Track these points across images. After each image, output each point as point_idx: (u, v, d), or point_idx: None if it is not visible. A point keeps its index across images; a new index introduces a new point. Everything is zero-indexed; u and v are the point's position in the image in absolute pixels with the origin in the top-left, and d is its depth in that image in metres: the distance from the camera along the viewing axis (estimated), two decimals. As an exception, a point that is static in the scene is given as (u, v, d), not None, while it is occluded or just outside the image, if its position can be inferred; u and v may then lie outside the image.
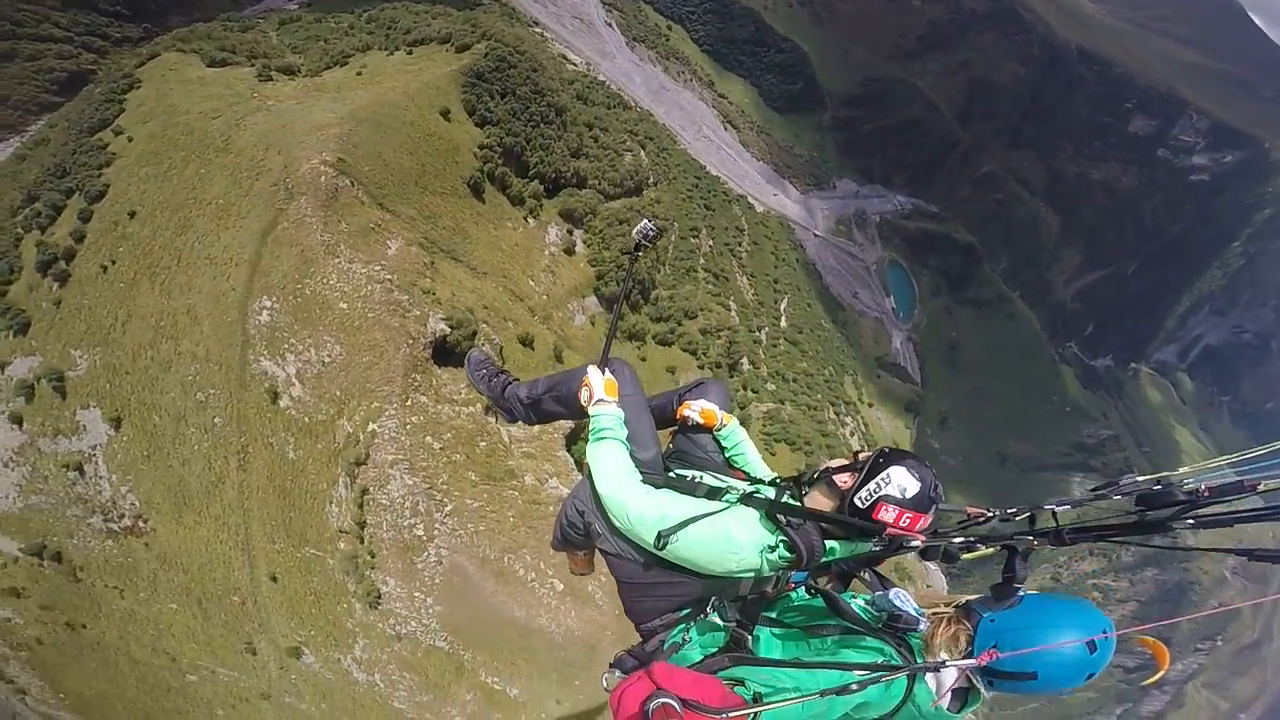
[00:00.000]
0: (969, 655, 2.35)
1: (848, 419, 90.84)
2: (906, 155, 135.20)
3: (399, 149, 42.05)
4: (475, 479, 32.79)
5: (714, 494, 2.96)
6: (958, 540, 2.48)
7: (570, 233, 54.87)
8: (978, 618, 2.40)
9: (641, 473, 3.05)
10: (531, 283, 47.58)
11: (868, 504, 2.62)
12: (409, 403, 33.24)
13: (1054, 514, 2.41)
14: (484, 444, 34.15)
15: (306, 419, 32.10)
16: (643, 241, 3.63)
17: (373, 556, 30.17)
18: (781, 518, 2.73)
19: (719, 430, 3.60)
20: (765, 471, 3.50)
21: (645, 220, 3.71)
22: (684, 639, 2.87)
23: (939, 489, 2.62)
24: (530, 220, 51.33)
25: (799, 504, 2.89)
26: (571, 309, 50.21)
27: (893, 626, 2.55)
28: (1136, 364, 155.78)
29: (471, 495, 32.04)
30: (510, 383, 3.94)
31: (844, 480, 2.78)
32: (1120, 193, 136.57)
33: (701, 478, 3.19)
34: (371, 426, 31.99)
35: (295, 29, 56.89)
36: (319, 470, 31.43)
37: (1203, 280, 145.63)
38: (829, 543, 2.76)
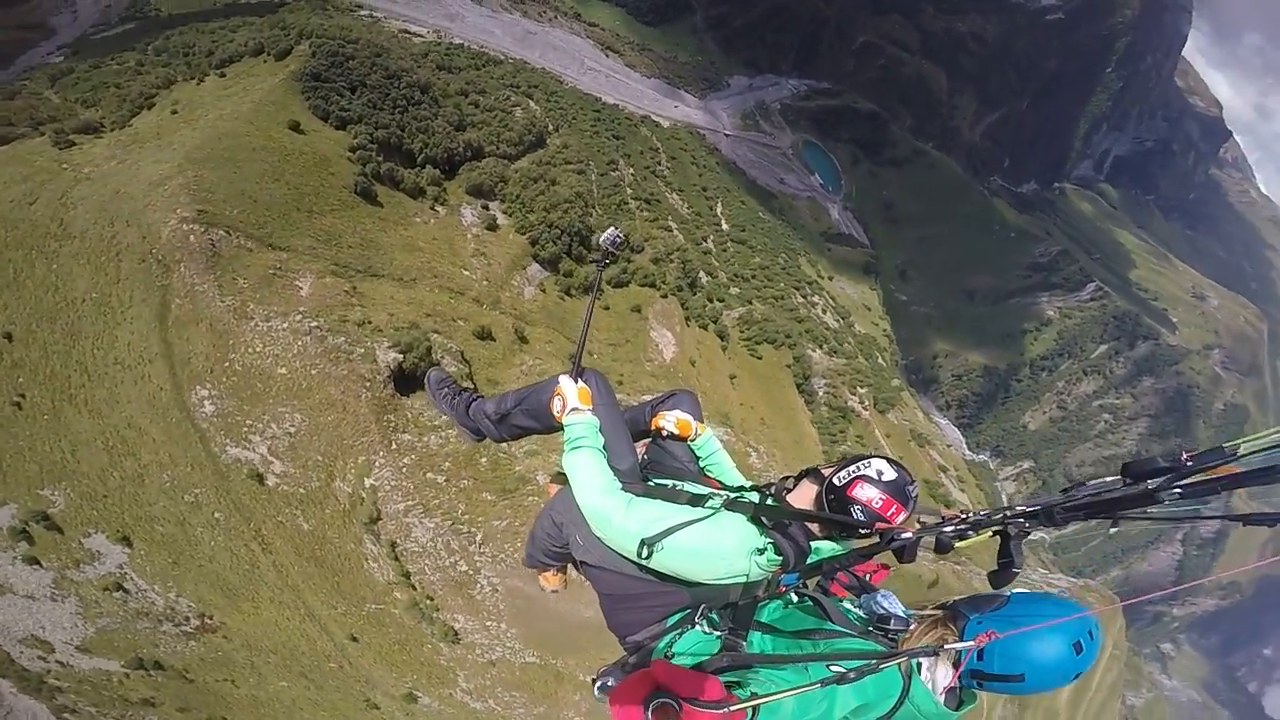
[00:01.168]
0: (958, 657, 2.33)
1: (815, 298, 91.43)
2: (784, 40, 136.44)
3: (262, 179, 37.57)
4: (491, 498, 31.63)
5: (696, 501, 2.89)
6: (949, 529, 2.37)
7: (486, 207, 51.45)
8: (964, 620, 2.33)
9: (621, 482, 2.96)
10: (466, 272, 44.61)
11: (845, 481, 2.68)
12: (393, 446, 31.45)
13: (1024, 520, 2.30)
14: (485, 460, 32.62)
15: (301, 490, 30.13)
16: (610, 250, 3.65)
17: (431, 599, 29.77)
18: (767, 521, 2.70)
19: (693, 440, 3.58)
20: (740, 479, 3.50)
21: (611, 229, 3.70)
22: (670, 652, 2.77)
23: (914, 489, 2.65)
24: (439, 208, 47.71)
25: (783, 505, 2.91)
26: (517, 284, 47.57)
27: (881, 629, 2.55)
28: (1059, 183, 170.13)
29: (495, 515, 31.18)
30: (474, 400, 3.83)
31: (827, 470, 2.82)
32: (989, 40, 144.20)
33: (682, 486, 3.13)
34: (368, 482, 30.45)
35: (73, 81, 49.87)
36: (340, 534, 29.98)
37: (1091, 104, 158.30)
38: (816, 543, 2.79)
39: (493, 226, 50.35)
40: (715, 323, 58.46)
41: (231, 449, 30.05)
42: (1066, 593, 60.93)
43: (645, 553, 2.70)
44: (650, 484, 3.16)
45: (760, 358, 62.32)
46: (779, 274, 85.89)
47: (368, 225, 40.95)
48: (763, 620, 2.73)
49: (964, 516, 2.53)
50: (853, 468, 2.70)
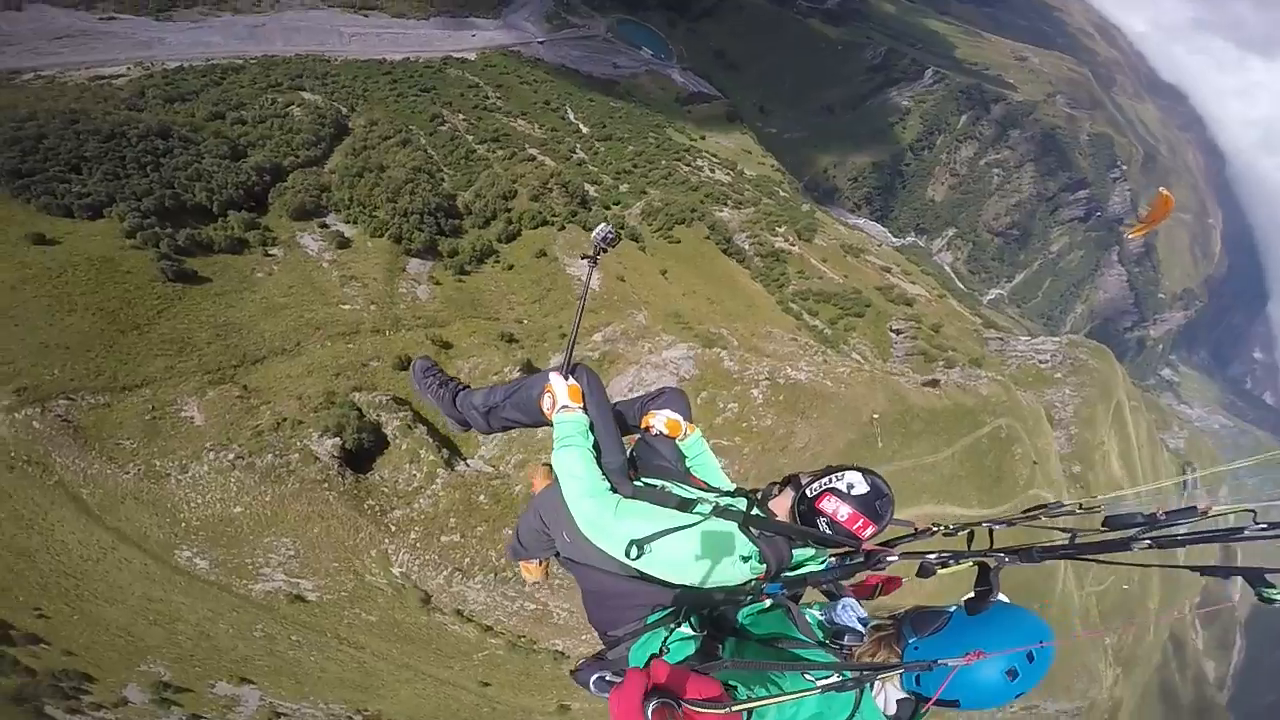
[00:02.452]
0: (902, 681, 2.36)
1: (699, 162, 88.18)
2: None
3: (51, 318, 29.39)
4: (510, 531, 28.08)
5: (685, 505, 2.86)
6: (932, 556, 2.31)
7: (324, 225, 43.81)
8: (904, 643, 2.34)
9: (609, 481, 2.95)
10: (345, 306, 38.04)
11: (815, 493, 2.69)
12: (392, 529, 27.76)
13: (990, 531, 2.41)
14: (483, 497, 29.19)
15: (344, 593, 27.54)
16: (602, 246, 3.48)
17: (523, 637, 28.66)
18: (754, 530, 2.71)
19: (682, 440, 3.55)
20: (724, 481, 3.50)
21: (602, 225, 3.61)
22: (665, 649, 2.64)
23: (887, 504, 2.63)
24: (274, 251, 39.92)
25: (769, 515, 2.90)
26: (405, 290, 41.56)
27: (837, 641, 2.49)
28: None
29: (423, 548, 28.29)
30: (460, 390, 3.76)
31: (804, 479, 2.83)
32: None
33: (670, 488, 3.06)
34: (396, 571, 27.58)
35: None
36: (408, 616, 27.88)
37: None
38: (798, 552, 2.80)
39: (344, 243, 43.11)
40: (622, 228, 53.89)
41: (254, 586, 26.90)
42: (1057, 356, 62.13)
43: (634, 554, 2.70)
44: (639, 484, 3.09)
45: (679, 241, 58.83)
46: (656, 154, 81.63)
47: (209, 309, 33.63)
48: (738, 625, 2.67)
49: (934, 530, 2.57)
50: (824, 480, 2.70)
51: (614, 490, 2.90)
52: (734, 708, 1.83)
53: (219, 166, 43.01)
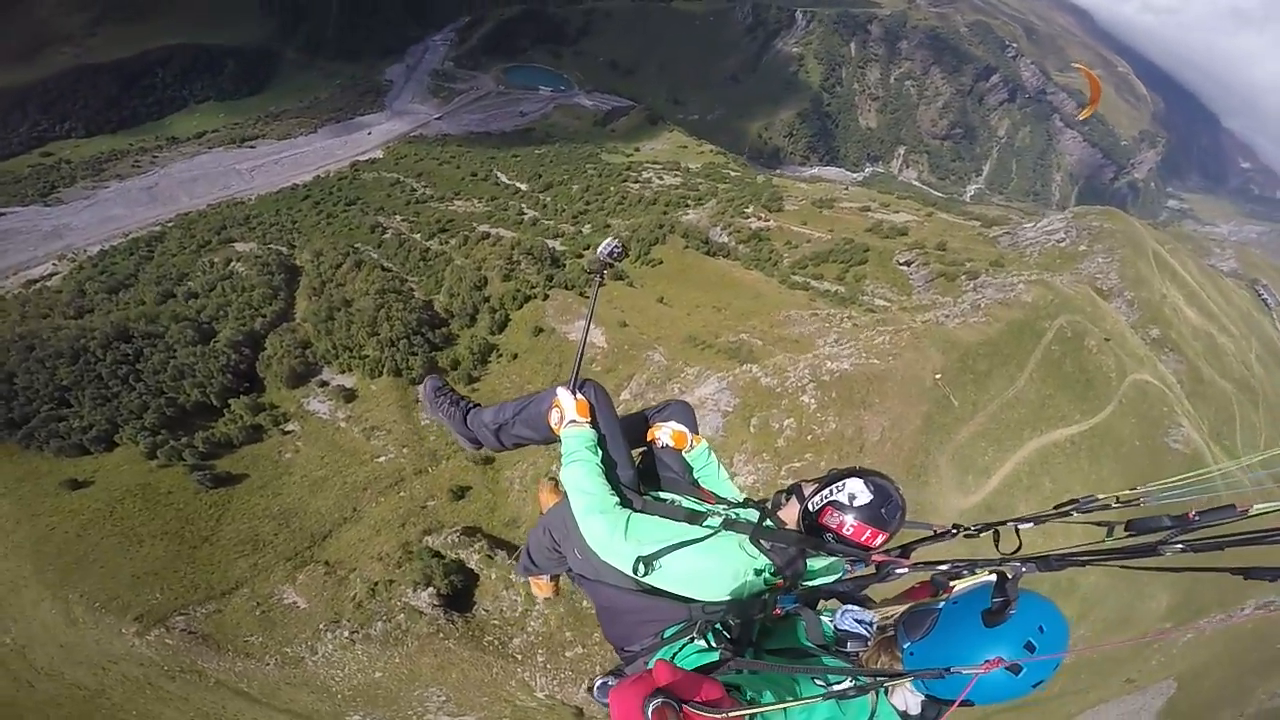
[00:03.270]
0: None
1: (644, 174, 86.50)
2: (384, 14, 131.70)
3: (127, 552, 29.88)
4: (547, 659, 26.19)
5: (695, 518, 2.83)
6: (945, 567, 2.31)
7: (324, 384, 42.44)
8: (899, 650, 2.26)
9: (619, 495, 2.92)
10: (381, 459, 36.52)
11: (817, 508, 2.64)
12: (518, 656, 26.32)
13: (1016, 530, 2.36)
14: (585, 602, 26.75)
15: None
16: (609, 260, 3.48)
17: None
18: (765, 542, 2.67)
19: (688, 451, 3.51)
20: (733, 492, 3.44)
21: (609, 240, 3.52)
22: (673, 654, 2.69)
23: (895, 509, 2.54)
24: (291, 426, 39.05)
25: (779, 527, 2.83)
26: (427, 419, 39.87)
27: (842, 647, 2.42)
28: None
29: (553, 667, 25.90)
30: (471, 408, 3.66)
31: (809, 490, 2.78)
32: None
33: (679, 501, 3.07)
34: (539, 694, 25.78)
35: None
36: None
37: None
38: (811, 562, 2.73)
39: (350, 395, 41.32)
40: (590, 273, 51.55)
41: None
42: (1070, 230, 59.18)
43: (642, 570, 2.67)
44: (648, 498, 3.07)
45: (660, 261, 56.38)
46: (602, 183, 79.84)
47: (260, 503, 33.79)
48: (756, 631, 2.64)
49: (954, 531, 2.56)
50: (825, 491, 2.63)
51: (623, 505, 2.85)
52: (733, 712, 1.73)
53: (195, 355, 41.67)
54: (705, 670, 2.32)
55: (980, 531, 2.47)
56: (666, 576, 2.66)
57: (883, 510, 2.51)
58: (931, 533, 2.59)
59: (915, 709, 2.16)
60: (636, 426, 3.55)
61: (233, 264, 53.97)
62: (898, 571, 2.39)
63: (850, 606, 2.45)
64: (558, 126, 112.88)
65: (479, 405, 3.66)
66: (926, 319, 35.23)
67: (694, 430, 3.53)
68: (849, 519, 2.52)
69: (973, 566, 2.18)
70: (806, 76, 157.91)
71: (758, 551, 2.64)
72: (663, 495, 3.15)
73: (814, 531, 2.62)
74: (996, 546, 2.32)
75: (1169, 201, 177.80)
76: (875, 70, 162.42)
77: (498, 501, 33.60)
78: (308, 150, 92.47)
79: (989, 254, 59.50)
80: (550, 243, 59.50)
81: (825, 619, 2.54)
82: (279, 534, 31.77)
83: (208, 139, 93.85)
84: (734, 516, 2.86)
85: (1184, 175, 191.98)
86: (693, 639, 2.60)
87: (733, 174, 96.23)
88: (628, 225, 63.11)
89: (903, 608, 2.31)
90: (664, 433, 3.46)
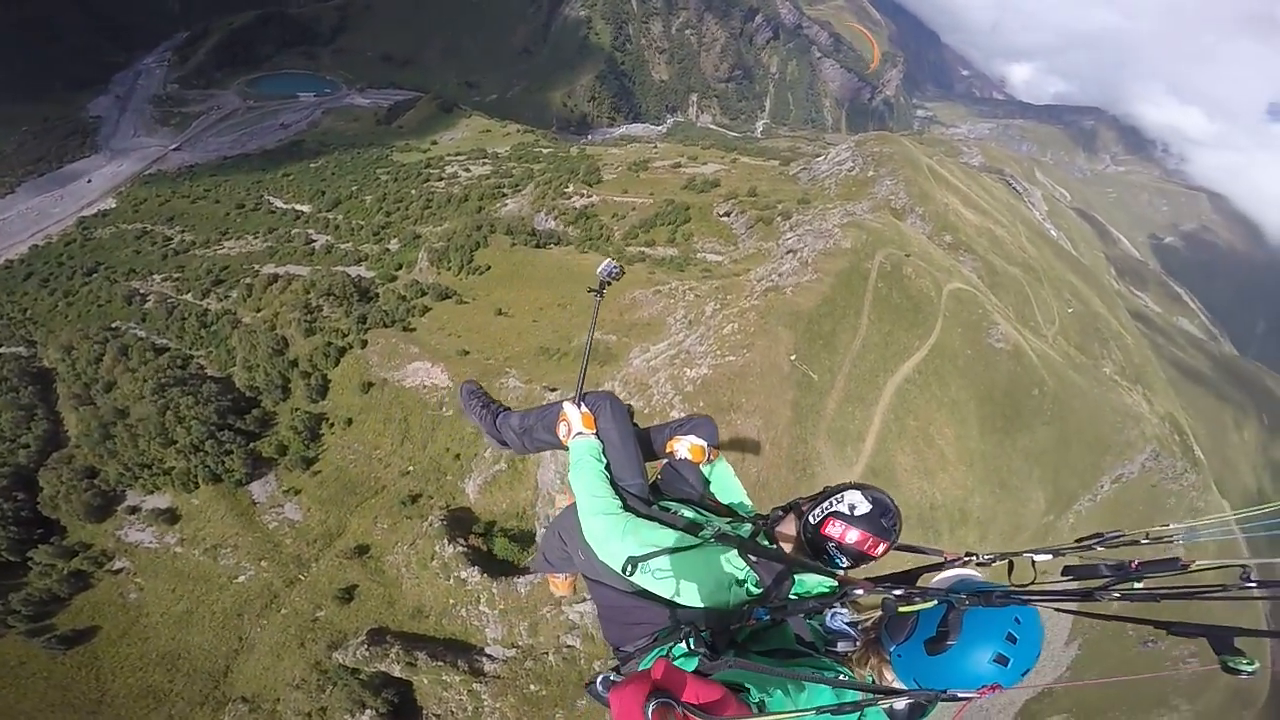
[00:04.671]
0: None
1: (448, 169, 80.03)
2: (48, 51, 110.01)
3: None
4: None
5: (692, 528, 2.90)
6: (897, 593, 2.29)
7: (133, 510, 35.29)
8: (886, 649, 2.35)
9: (624, 501, 3.05)
10: (240, 579, 32.10)
11: (818, 520, 2.68)
12: None
13: (1033, 562, 2.40)
14: (532, 685, 24.34)
15: None
16: (607, 280, 3.67)
17: None
18: (752, 557, 2.73)
19: (705, 465, 3.63)
20: (746, 507, 3.53)
21: (607, 261, 3.72)
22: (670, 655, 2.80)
23: (894, 519, 2.60)
24: (117, 563, 32.90)
25: (772, 544, 2.92)
26: (273, 523, 33.52)
27: (831, 648, 2.51)
28: None
29: None
30: (501, 412, 3.89)
31: (805, 505, 2.84)
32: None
33: (683, 511, 3.18)
34: None
35: None
36: None
37: None
38: (801, 577, 2.77)
39: (172, 517, 35.00)
40: (424, 294, 45.96)
41: None
42: (857, 157, 63.22)
43: (630, 570, 2.77)
44: (654, 506, 3.19)
45: (488, 267, 51.84)
46: (400, 188, 71.89)
47: (131, 652, 30.04)
48: (739, 639, 2.69)
49: (966, 559, 2.54)
50: (825, 504, 2.68)
51: (625, 509, 2.99)
52: (736, 713, 1.75)
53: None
54: (712, 664, 2.37)
55: (993, 561, 2.49)
56: (653, 579, 2.74)
57: (883, 520, 2.56)
58: (942, 559, 2.58)
59: (901, 704, 2.19)
60: (658, 439, 3.72)
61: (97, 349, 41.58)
62: (855, 593, 2.36)
63: (839, 609, 2.43)
64: (332, 133, 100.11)
65: (509, 410, 3.87)
66: (764, 283, 35.40)
67: (714, 445, 3.66)
68: (852, 530, 2.55)
69: (924, 595, 2.16)
70: (597, 38, 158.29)
71: (743, 564, 2.69)
72: (670, 505, 3.24)
73: (816, 543, 2.66)
74: (1009, 577, 2.29)
75: (918, 112, 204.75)
76: (658, 23, 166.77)
77: (392, 593, 29.51)
78: (11, 216, 73.10)
79: (794, 192, 62.71)
80: (354, 271, 52.17)
81: (813, 621, 2.60)
82: (174, 680, 28.94)
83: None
84: (728, 530, 2.91)
85: (922, 87, 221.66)
86: (677, 642, 2.68)
87: (545, 151, 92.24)
88: (440, 232, 57.28)
89: (878, 613, 2.33)
90: (682, 446, 3.59)
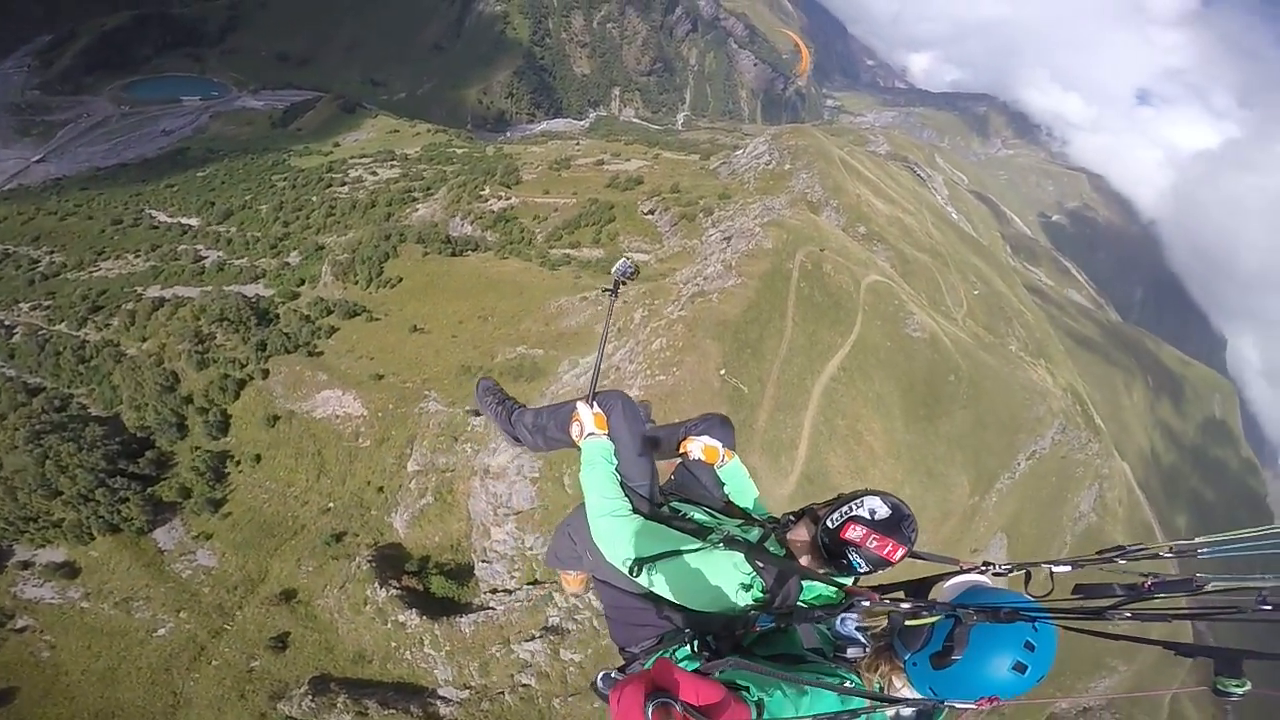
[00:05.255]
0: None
1: (352, 172, 75.55)
2: None
3: None
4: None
5: (701, 531, 2.95)
6: (905, 606, 2.32)
7: (25, 565, 32.12)
8: (900, 660, 2.35)
9: (633, 502, 3.04)
10: (160, 632, 29.80)
11: (837, 524, 2.66)
12: None
13: (1050, 573, 2.41)
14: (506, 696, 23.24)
15: None
16: (622, 279, 3.66)
17: None
18: (760, 562, 2.73)
19: (720, 467, 3.61)
20: (762, 509, 3.52)
21: (624, 259, 3.73)
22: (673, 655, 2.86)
23: (911, 525, 2.58)
24: (19, 620, 29.84)
25: (781, 549, 2.90)
26: (186, 572, 30.88)
27: (841, 653, 2.49)
28: None
29: None
30: (516, 409, 3.86)
31: (821, 510, 2.81)
32: None
33: (693, 513, 3.19)
34: None
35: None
36: None
37: None
38: (809, 584, 2.74)
39: (71, 571, 31.91)
40: (330, 312, 42.78)
41: None
42: (774, 151, 63.75)
43: (635, 571, 2.80)
44: (665, 508, 3.22)
45: (400, 279, 48.91)
46: (297, 195, 67.18)
47: (61, 713, 27.76)
48: (744, 643, 2.69)
49: (983, 569, 2.50)
50: (845, 508, 2.65)
51: (634, 511, 2.98)
52: (735, 715, 1.75)
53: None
54: (714, 663, 2.37)
55: (1009, 571, 2.49)
56: (659, 582, 2.75)
57: (901, 525, 2.54)
58: (958, 568, 2.55)
59: (908, 712, 2.20)
60: (671, 440, 3.65)
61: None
62: (862, 604, 2.38)
63: (849, 614, 2.44)
64: (221, 138, 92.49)
65: (523, 407, 3.82)
66: (690, 287, 35.00)
67: (729, 446, 3.62)
68: (873, 535, 2.54)
69: (931, 609, 2.17)
70: (515, 33, 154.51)
71: (750, 569, 2.68)
72: (681, 506, 3.26)
73: (834, 548, 2.64)
74: (1025, 588, 2.30)
75: (827, 101, 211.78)
76: (579, 17, 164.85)
77: (328, 639, 27.62)
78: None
79: (715, 187, 63.00)
80: (250, 289, 48.06)
81: (822, 626, 2.58)
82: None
83: None
84: (737, 533, 2.94)
85: (831, 77, 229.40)
86: (680, 645, 2.74)
87: (459, 151, 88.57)
88: (345, 242, 53.73)
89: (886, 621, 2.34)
90: (695, 446, 3.56)
